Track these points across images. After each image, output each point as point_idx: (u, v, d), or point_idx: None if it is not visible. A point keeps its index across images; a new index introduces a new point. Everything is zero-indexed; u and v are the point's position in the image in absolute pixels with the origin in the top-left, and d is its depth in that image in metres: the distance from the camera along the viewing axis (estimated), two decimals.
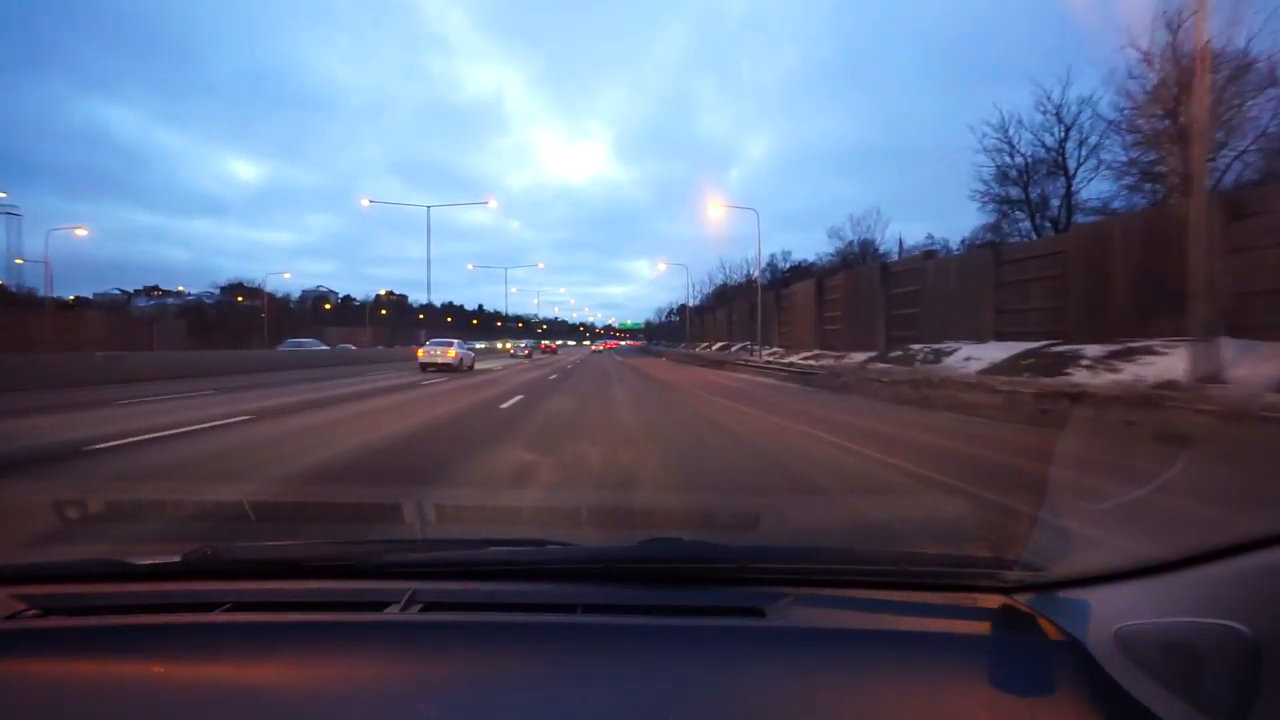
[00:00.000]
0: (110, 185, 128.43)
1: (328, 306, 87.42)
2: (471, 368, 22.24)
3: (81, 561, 1.31)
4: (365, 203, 33.90)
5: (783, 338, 34.02)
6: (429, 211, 34.16)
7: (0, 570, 1.26)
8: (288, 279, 65.99)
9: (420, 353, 21.79)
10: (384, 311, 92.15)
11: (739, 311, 47.97)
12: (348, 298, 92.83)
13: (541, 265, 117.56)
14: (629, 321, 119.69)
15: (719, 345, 50.22)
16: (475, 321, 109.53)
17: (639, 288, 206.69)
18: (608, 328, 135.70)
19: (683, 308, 74.58)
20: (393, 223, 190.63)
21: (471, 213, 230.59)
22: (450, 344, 21.77)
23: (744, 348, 41.35)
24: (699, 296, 69.33)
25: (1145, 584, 0.87)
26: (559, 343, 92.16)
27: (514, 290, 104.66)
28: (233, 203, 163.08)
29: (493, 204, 34.48)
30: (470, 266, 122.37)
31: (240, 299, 59.14)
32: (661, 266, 60.07)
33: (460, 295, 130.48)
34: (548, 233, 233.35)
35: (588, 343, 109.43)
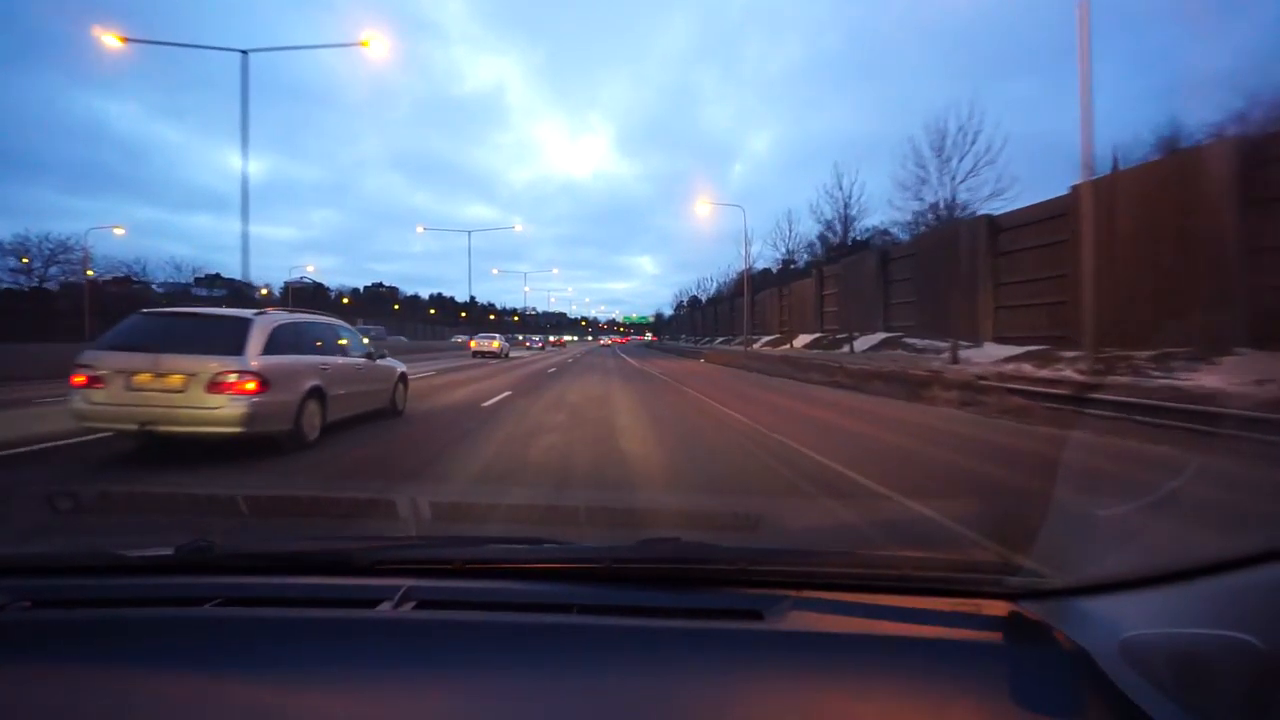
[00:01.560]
0: (111, 180, 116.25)
1: (264, 292, 73.66)
2: (508, 355, 30.03)
3: (72, 553, 1.32)
4: (117, 40, 15.71)
5: (1004, 323, 15.18)
6: (245, 59, 16.38)
7: None
8: (125, 236, 54.46)
9: (473, 344, 30.80)
10: (345, 300, 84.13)
11: (852, 278, 27.93)
12: (319, 286, 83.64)
13: (519, 227, 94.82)
14: (634, 316, 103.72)
15: (807, 339, 31.11)
16: (464, 315, 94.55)
17: (642, 284, 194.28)
18: (611, 322, 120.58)
19: (724, 287, 55.45)
20: (394, 218, 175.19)
21: (472, 207, 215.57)
22: (495, 337, 31.20)
23: (893, 342, 22.18)
24: (714, 287, 56.76)
25: (1153, 593, 0.85)
26: (562, 338, 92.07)
27: (495, 272, 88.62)
28: (233, 198, 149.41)
29: (374, 45, 15.47)
30: (420, 229, 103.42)
31: (112, 280, 42.71)
32: (708, 206, 46.11)
33: (453, 289, 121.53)
34: (550, 228, 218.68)
35: (576, 338, 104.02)
